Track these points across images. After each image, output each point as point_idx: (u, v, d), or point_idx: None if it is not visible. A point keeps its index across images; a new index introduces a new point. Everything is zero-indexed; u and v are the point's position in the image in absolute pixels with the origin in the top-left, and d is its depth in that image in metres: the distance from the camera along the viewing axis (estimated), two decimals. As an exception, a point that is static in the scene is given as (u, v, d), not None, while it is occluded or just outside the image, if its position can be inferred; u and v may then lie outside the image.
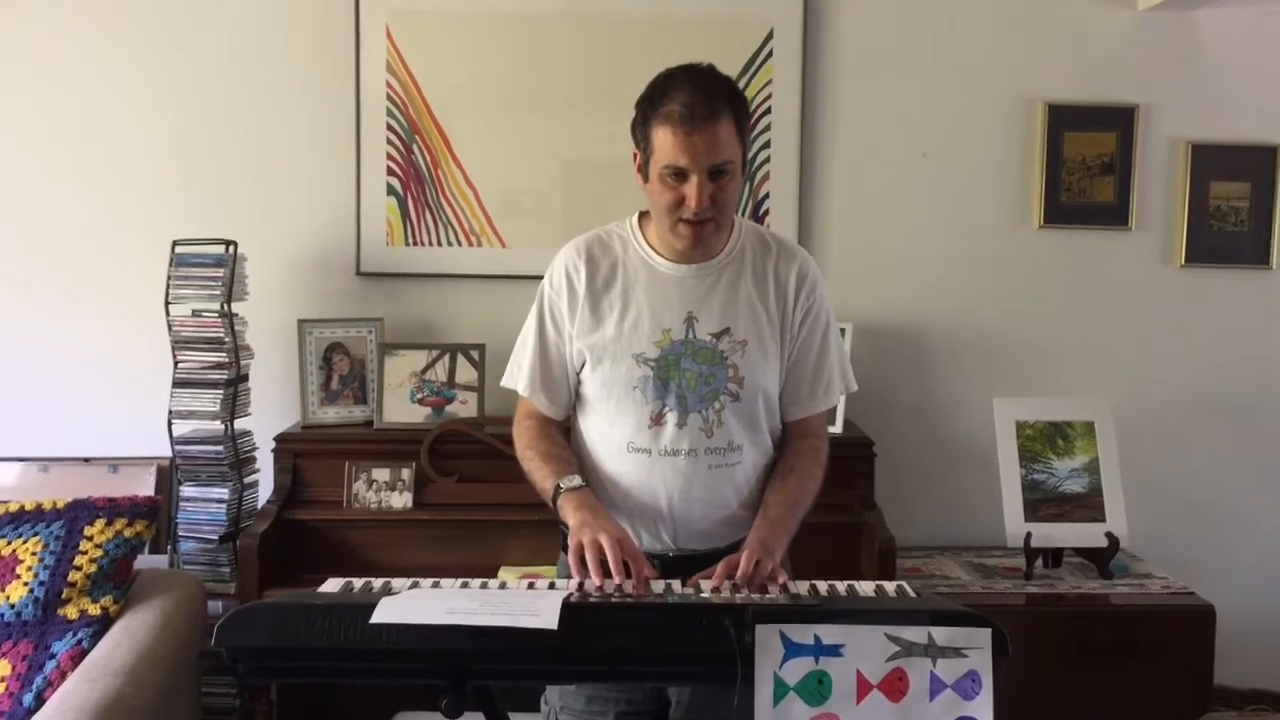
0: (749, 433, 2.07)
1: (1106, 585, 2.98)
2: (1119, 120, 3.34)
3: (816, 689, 1.58)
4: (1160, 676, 2.82)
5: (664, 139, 1.94)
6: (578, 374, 2.11)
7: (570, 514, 1.98)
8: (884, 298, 3.36)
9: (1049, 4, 3.33)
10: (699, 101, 1.92)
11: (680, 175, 1.95)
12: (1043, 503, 3.05)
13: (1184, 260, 3.37)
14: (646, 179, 2.01)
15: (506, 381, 2.20)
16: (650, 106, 1.97)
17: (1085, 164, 3.34)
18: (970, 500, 3.27)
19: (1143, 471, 3.22)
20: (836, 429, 3.09)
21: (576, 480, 2.03)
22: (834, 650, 1.59)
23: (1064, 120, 3.33)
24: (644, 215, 2.11)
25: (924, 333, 3.38)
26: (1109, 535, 3.00)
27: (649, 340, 2.04)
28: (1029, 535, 2.99)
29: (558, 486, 2.02)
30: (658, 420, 2.03)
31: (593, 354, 2.07)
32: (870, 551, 2.91)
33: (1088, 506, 3.05)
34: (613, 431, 2.07)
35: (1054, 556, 3.09)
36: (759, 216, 3.34)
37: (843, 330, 3.17)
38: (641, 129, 2.00)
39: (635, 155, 2.03)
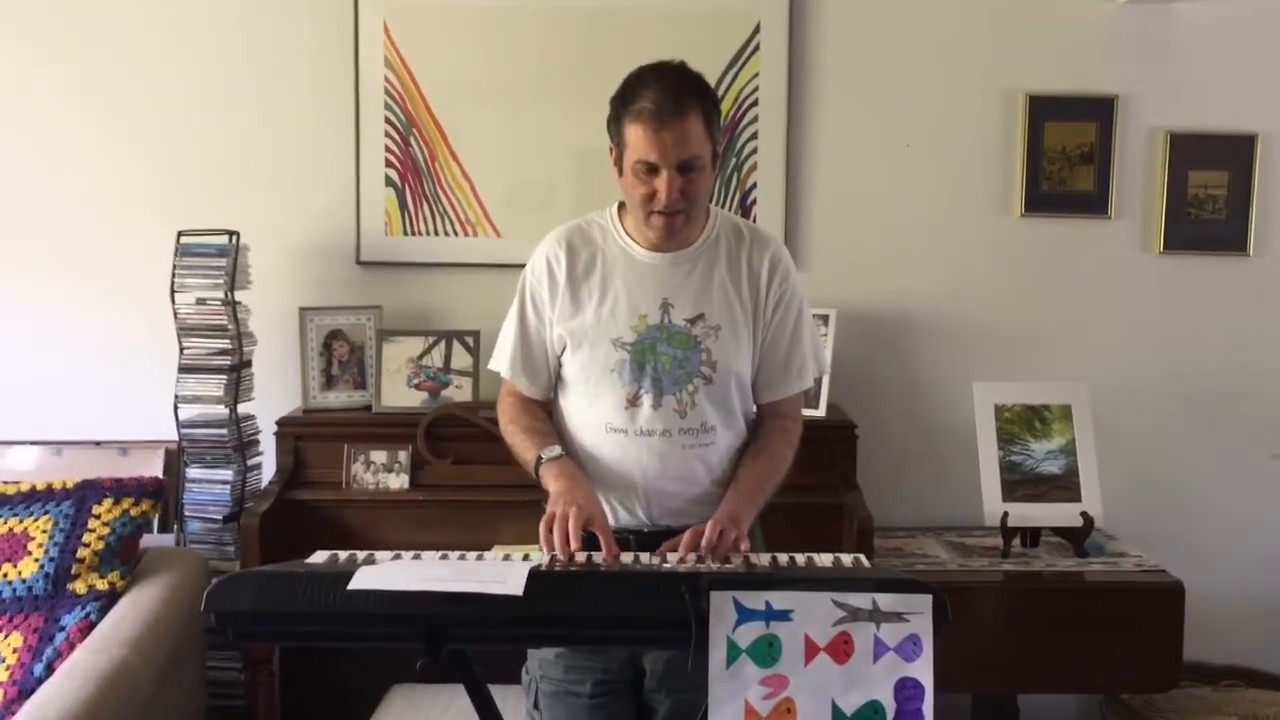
0: (722, 414, 2.16)
1: (1081, 563, 3.06)
2: (1098, 110, 3.40)
3: (767, 651, 1.68)
4: (1132, 651, 2.90)
5: (635, 135, 2.04)
6: (558, 358, 2.21)
7: (551, 482, 2.08)
8: (869, 285, 3.45)
9: (1031, -3, 3.41)
10: (667, 99, 2.01)
11: (651, 170, 2.04)
12: (1020, 483, 3.13)
13: (1162, 248, 3.44)
14: (621, 173, 2.11)
15: (491, 364, 2.31)
16: (622, 104, 2.07)
17: (1065, 154, 3.42)
18: (951, 481, 3.34)
19: (1119, 454, 3.29)
20: (820, 412, 3.19)
21: (557, 450, 2.13)
22: (784, 615, 1.69)
23: (1045, 111, 3.40)
24: (623, 205, 2.21)
25: (907, 319, 3.46)
26: (1084, 515, 3.08)
27: (626, 325, 2.13)
28: (1006, 515, 3.07)
29: (539, 457, 2.12)
30: (634, 402, 2.13)
31: (573, 339, 2.17)
32: (851, 531, 3.00)
33: (1064, 487, 3.13)
34: (591, 412, 2.17)
35: (1031, 536, 3.17)
36: (746, 207, 3.43)
37: (826, 317, 3.27)
38: (615, 125, 2.10)
39: (611, 150, 2.13)
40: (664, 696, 2.11)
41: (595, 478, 2.15)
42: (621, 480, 2.14)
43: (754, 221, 3.38)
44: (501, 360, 2.26)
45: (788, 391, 2.24)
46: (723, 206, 3.34)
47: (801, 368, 2.24)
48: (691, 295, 2.15)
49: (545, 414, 2.25)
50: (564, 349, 2.19)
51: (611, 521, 2.09)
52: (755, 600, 1.69)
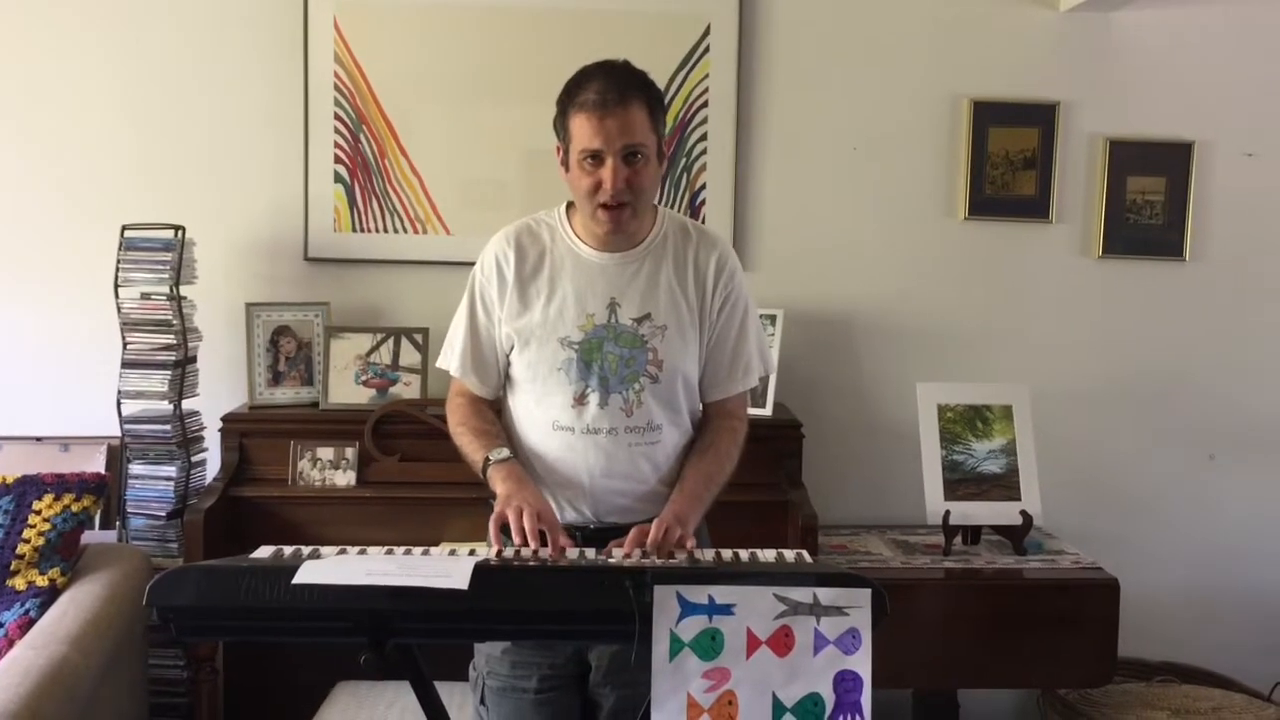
0: (668, 413, 2.18)
1: (1020, 561, 3.11)
2: (1041, 117, 3.47)
3: (710, 645, 1.71)
4: (1069, 646, 2.95)
5: (580, 126, 2.07)
6: (507, 356, 2.23)
7: (498, 484, 2.10)
8: (815, 286, 3.49)
9: (976, 5, 3.46)
10: (611, 88, 2.05)
11: (596, 159, 2.07)
12: (961, 482, 3.18)
13: (1101, 252, 3.51)
14: (568, 169, 2.14)
15: (440, 362, 2.31)
16: (568, 99, 2.10)
17: (1008, 158, 3.48)
18: (894, 480, 3.39)
19: (1058, 453, 3.36)
20: (766, 411, 3.23)
21: (504, 453, 2.15)
22: (726, 609, 1.71)
23: (988, 116, 3.46)
24: (572, 205, 2.22)
25: (852, 320, 3.51)
26: (1023, 513, 3.14)
27: (573, 324, 2.15)
28: (948, 513, 3.12)
29: (487, 459, 2.14)
30: (580, 400, 2.14)
31: (520, 337, 2.18)
32: (795, 528, 3.04)
33: (1004, 486, 3.18)
34: (539, 410, 2.18)
35: (972, 534, 3.22)
36: (695, 208, 3.46)
37: (774, 317, 3.30)
38: (560, 120, 2.13)
39: (558, 149, 2.16)
40: (609, 691, 2.13)
41: (543, 475, 2.17)
42: (568, 478, 2.16)
43: (703, 222, 3.41)
44: (451, 359, 2.27)
45: (733, 391, 2.27)
46: (672, 206, 3.39)
47: (747, 367, 2.26)
48: (638, 295, 2.17)
49: (494, 415, 2.27)
50: (512, 347, 2.20)
51: (559, 519, 2.10)
52: (698, 594, 1.71)
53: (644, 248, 2.19)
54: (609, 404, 2.14)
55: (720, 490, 2.20)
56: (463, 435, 2.22)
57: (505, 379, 2.26)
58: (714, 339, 2.22)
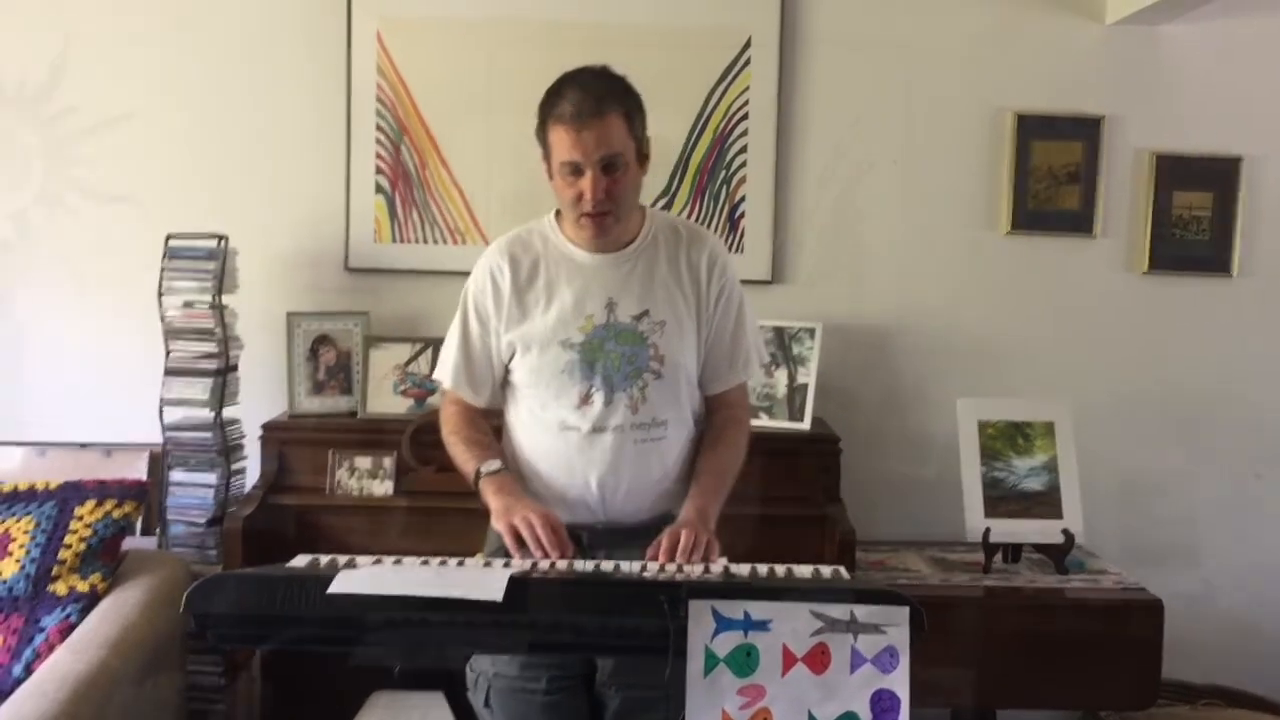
0: (672, 409, 2.21)
1: (1062, 580, 3.07)
2: (1085, 130, 3.43)
3: (745, 661, 1.69)
4: (1111, 668, 2.91)
5: (558, 138, 2.11)
6: (506, 365, 2.25)
7: (491, 497, 2.14)
8: (855, 299, 3.47)
9: (1019, 17, 3.43)
10: (587, 100, 2.09)
11: (576, 170, 2.11)
12: (1002, 499, 3.14)
13: (1147, 268, 3.47)
14: (552, 177, 2.18)
15: (435, 374, 2.37)
16: (546, 110, 2.15)
17: (1052, 172, 3.44)
18: (934, 496, 3.35)
19: (1100, 471, 3.31)
20: (805, 425, 3.21)
21: (496, 465, 2.19)
22: (762, 625, 1.70)
23: (1032, 130, 3.43)
24: (561, 211, 2.26)
25: (893, 334, 3.48)
26: (1065, 532, 3.09)
27: (574, 326, 2.18)
28: (988, 530, 3.09)
29: (478, 471, 2.18)
30: (585, 400, 2.17)
31: (522, 344, 2.21)
32: (833, 544, 3.01)
33: (1045, 504, 3.14)
34: (545, 414, 2.21)
35: (1013, 552, 3.18)
36: (734, 220, 3.44)
37: (813, 330, 3.29)
38: (541, 132, 2.17)
39: (543, 158, 2.19)
40: (614, 692, 2.15)
41: (551, 476, 2.20)
42: (577, 477, 2.18)
43: (742, 235, 3.41)
44: (444, 371, 2.31)
45: (735, 382, 2.31)
46: (710, 219, 3.39)
47: (747, 358, 2.30)
48: (635, 293, 2.20)
49: (487, 425, 2.30)
50: (512, 355, 2.23)
51: (566, 519, 2.13)
52: (733, 610, 1.70)
53: (636, 247, 2.23)
54: (614, 401, 2.17)
55: (734, 479, 2.23)
56: (455, 444, 2.27)
57: (505, 387, 2.29)
58: (713, 333, 2.26)
